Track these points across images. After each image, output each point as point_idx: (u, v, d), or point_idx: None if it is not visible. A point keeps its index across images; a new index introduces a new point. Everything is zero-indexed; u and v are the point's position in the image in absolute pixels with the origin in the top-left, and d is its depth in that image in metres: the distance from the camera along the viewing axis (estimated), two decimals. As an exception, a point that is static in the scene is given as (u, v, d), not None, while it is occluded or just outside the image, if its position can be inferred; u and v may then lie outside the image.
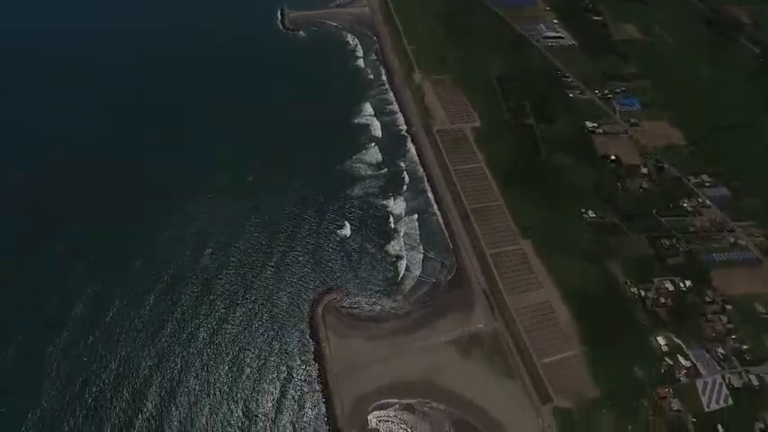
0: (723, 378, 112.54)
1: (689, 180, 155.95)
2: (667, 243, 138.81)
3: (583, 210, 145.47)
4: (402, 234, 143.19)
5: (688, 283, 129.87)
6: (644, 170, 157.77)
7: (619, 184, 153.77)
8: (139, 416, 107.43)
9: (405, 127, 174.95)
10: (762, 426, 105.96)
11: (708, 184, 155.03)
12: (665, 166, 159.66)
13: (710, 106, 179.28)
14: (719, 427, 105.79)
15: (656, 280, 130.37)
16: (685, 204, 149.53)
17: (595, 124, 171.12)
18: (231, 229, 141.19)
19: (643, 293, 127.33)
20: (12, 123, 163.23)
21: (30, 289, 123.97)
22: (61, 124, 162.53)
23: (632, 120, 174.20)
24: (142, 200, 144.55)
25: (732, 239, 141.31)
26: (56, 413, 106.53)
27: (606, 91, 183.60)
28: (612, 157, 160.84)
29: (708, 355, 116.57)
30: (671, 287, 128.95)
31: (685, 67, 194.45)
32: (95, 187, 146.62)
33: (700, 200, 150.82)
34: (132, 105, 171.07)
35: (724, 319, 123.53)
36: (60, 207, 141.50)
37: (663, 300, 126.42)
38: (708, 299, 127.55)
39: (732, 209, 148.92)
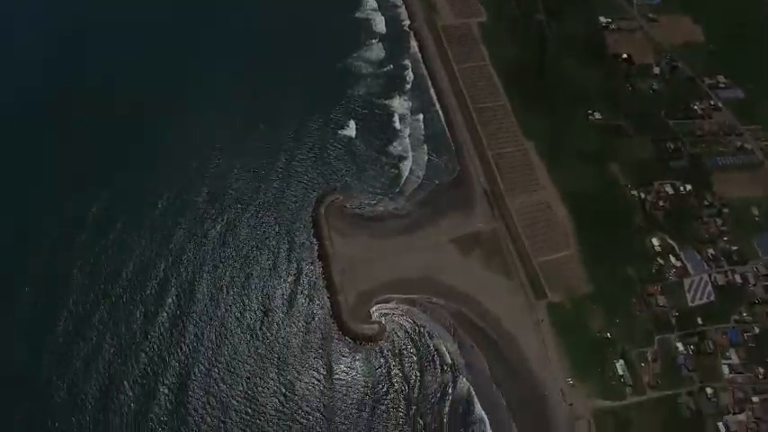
0: (709, 276, 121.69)
1: (703, 81, 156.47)
2: (672, 146, 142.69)
3: (589, 111, 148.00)
4: (406, 134, 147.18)
5: (688, 186, 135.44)
6: (656, 70, 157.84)
7: (628, 84, 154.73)
8: (161, 312, 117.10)
9: (408, 22, 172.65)
10: (737, 317, 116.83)
11: (722, 86, 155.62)
12: (679, 65, 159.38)
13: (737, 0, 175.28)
14: (699, 319, 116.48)
15: (656, 183, 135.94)
16: (695, 107, 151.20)
17: (609, 20, 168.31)
18: (235, 131, 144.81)
19: (642, 196, 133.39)
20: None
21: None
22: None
23: (650, 15, 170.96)
24: (145, 105, 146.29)
25: (738, 143, 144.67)
26: (79, 315, 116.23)
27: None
28: (624, 56, 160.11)
29: (698, 256, 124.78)
30: (671, 190, 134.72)
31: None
32: (99, 97, 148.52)
33: (711, 102, 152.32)
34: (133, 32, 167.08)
35: (719, 221, 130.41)
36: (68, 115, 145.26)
37: (661, 203, 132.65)
38: (706, 202, 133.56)
39: (743, 111, 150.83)
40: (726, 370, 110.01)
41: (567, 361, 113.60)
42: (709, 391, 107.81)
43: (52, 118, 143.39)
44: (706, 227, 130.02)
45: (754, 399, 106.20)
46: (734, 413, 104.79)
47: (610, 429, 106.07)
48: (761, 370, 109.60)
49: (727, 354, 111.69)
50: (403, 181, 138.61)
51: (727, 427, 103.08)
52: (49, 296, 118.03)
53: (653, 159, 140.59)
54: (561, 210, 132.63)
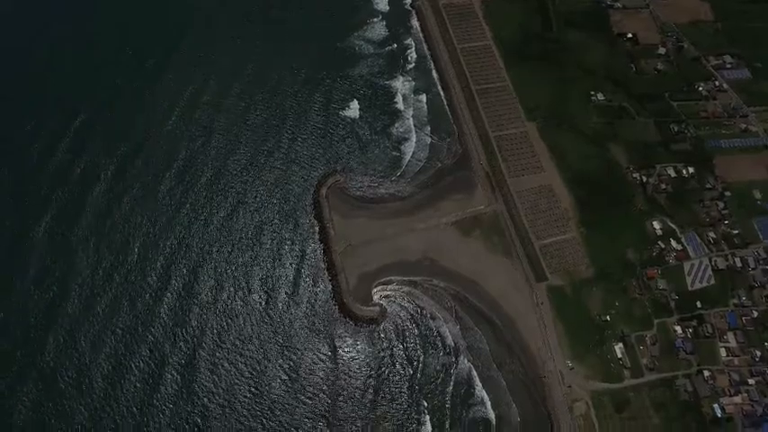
0: (710, 260, 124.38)
1: (708, 61, 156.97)
2: (675, 128, 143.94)
3: (592, 92, 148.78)
4: (408, 115, 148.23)
5: (691, 169, 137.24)
6: (661, 50, 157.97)
7: (632, 65, 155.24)
8: (164, 294, 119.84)
9: (409, 0, 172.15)
10: (736, 301, 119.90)
11: (729, 66, 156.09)
12: (685, 45, 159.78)
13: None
14: (698, 303, 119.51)
15: (658, 166, 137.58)
16: (700, 88, 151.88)
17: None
18: (235, 112, 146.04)
19: (644, 179, 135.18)
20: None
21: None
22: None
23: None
24: (145, 79, 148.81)
25: (743, 126, 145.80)
26: (86, 297, 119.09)
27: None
28: (629, 36, 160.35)
29: (699, 240, 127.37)
30: (673, 173, 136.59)
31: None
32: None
33: (716, 83, 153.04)
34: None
35: (720, 205, 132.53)
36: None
37: (663, 186, 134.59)
38: (708, 185, 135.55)
39: (749, 92, 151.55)
40: (723, 353, 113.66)
41: (567, 343, 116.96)
42: (706, 373, 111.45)
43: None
44: (707, 210, 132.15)
45: (750, 381, 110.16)
46: (730, 395, 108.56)
47: (607, 410, 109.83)
48: (758, 353, 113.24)
49: (725, 337, 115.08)
50: (405, 163, 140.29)
51: (722, 408, 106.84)
52: (53, 278, 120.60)
53: (656, 141, 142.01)
54: (563, 192, 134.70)
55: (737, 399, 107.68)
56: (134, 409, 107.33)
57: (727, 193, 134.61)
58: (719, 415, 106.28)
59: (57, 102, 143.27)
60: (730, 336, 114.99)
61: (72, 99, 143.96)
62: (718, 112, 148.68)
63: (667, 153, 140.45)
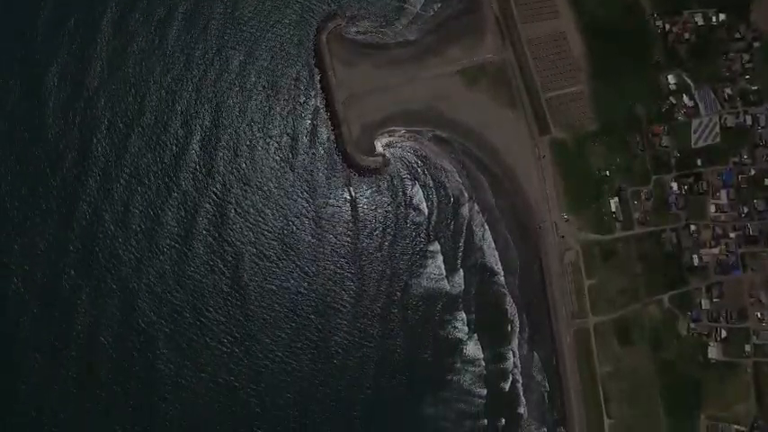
0: (720, 118, 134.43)
1: None
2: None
3: None
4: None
5: (722, 16, 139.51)
6: None
7: None
8: (192, 140, 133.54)
9: None
10: (736, 159, 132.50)
11: None
12: None
13: None
14: (699, 161, 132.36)
15: (686, 12, 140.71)
16: None
17: None
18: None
19: (667, 28, 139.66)
20: None
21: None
22: None
23: None
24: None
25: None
26: (105, 159, 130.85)
27: None
28: None
29: (713, 96, 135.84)
30: (701, 21, 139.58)
31: None
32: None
33: None
34: None
35: (746, 57, 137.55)
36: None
37: (686, 35, 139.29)
38: (737, 35, 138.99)
39: None
40: (712, 209, 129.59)
41: (564, 196, 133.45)
42: (692, 227, 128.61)
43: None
44: (730, 64, 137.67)
45: (731, 234, 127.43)
46: (710, 247, 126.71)
47: (595, 258, 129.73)
48: (745, 209, 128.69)
49: (717, 194, 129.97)
50: (410, 5, 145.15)
51: (700, 258, 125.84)
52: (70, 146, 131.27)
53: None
54: (576, 40, 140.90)
55: (715, 250, 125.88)
56: (170, 254, 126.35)
57: (756, 44, 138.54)
58: (696, 263, 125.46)
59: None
60: (723, 193, 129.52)
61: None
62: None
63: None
